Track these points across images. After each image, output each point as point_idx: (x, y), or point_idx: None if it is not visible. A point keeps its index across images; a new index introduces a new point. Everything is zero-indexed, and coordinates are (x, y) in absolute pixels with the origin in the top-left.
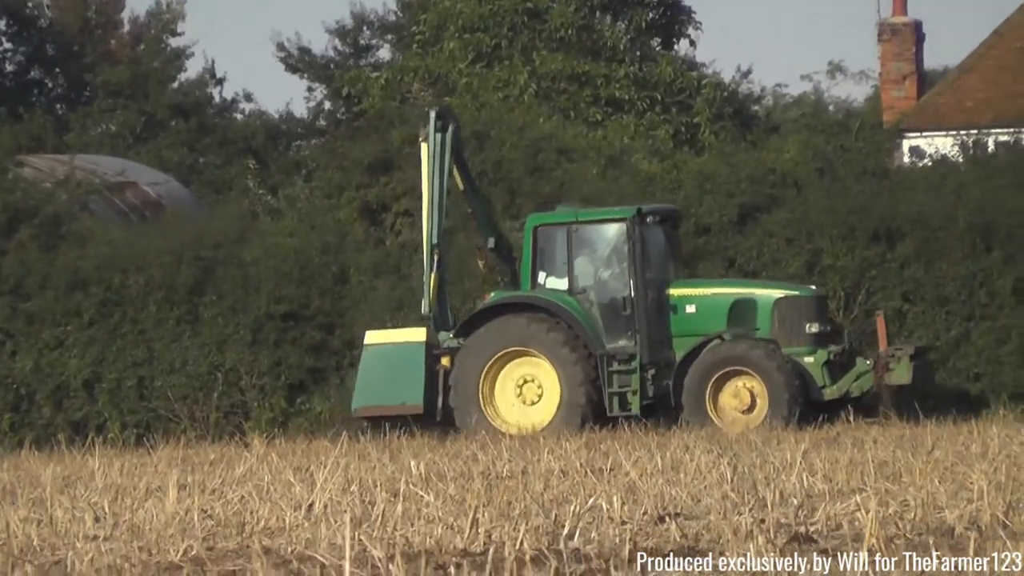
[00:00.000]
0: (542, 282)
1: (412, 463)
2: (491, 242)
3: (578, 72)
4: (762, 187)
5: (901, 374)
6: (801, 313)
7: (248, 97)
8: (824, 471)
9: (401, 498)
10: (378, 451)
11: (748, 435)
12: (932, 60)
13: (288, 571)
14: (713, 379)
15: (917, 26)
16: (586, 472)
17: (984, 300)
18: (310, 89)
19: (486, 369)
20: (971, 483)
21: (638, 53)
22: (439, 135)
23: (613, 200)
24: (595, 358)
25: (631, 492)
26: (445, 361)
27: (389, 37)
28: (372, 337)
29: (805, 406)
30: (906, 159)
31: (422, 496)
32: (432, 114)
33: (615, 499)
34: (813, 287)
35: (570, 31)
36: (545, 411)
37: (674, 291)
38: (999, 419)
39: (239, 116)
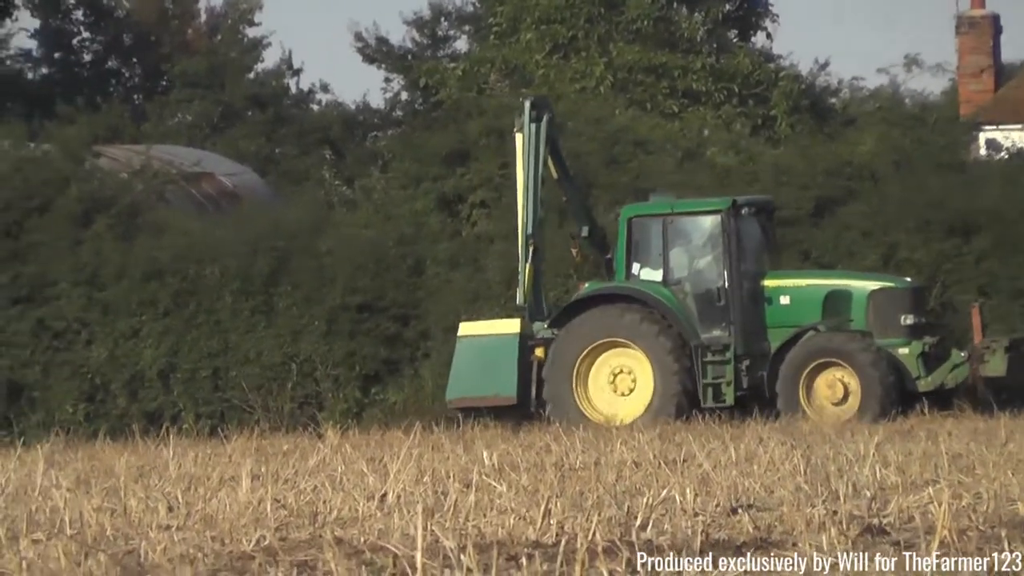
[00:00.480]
0: (636, 273)
1: (485, 454)
2: (585, 231)
3: (655, 64)
4: (838, 180)
5: (996, 366)
6: (896, 305)
7: (325, 88)
8: (897, 463)
9: (474, 489)
10: (452, 442)
11: (823, 427)
12: (1010, 53)
13: (360, 561)
14: (807, 371)
15: (995, 19)
16: (659, 463)
17: None
18: (387, 80)
19: (580, 359)
20: None
21: (715, 45)
22: (534, 125)
23: (691, 193)
24: (689, 349)
25: (704, 483)
26: (539, 352)
27: (466, 28)
28: (466, 328)
29: (900, 399)
30: (983, 152)
31: (495, 487)
32: (527, 104)
33: (688, 490)
34: (908, 279)
35: (647, 22)
36: (638, 402)
37: (768, 282)
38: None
39: (316, 107)
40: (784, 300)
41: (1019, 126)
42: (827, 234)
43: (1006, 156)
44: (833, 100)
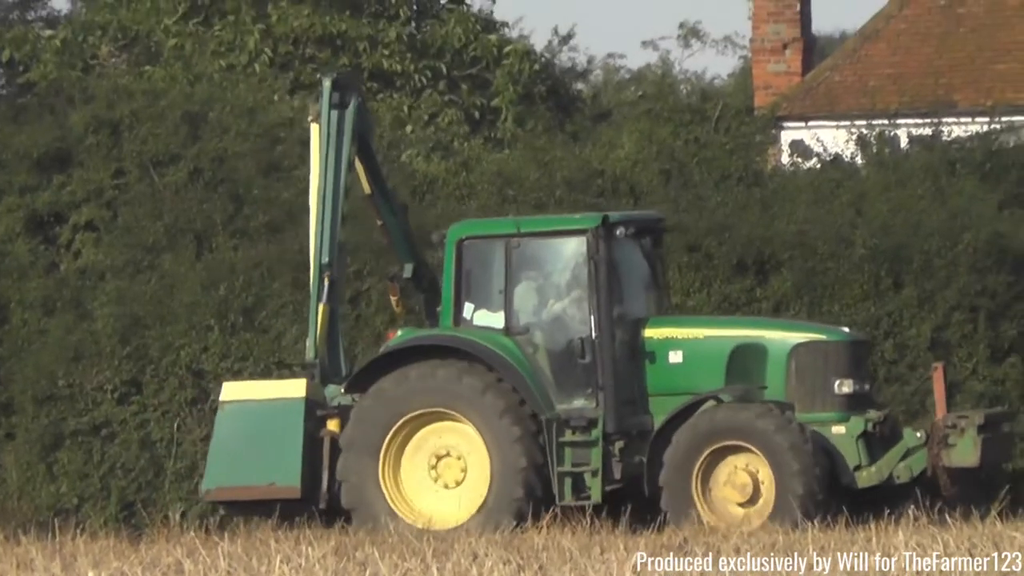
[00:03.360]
0: (468, 317)
1: (91, 575)
2: (408, 270)
3: (331, 33)
4: (585, 195)
5: (965, 452)
6: (829, 365)
7: None
8: None
9: None
10: (46, 558)
11: (561, 540)
12: (823, 23)
13: None
14: (703, 457)
15: None
16: None
17: (891, 356)
18: None
19: (389, 438)
20: None
21: (415, 8)
22: (336, 112)
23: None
24: (541, 424)
25: None
26: (332, 426)
27: None
28: (232, 391)
29: (831, 496)
30: (785, 158)
31: None
32: (327, 83)
33: None
34: (846, 330)
35: None
36: (471, 498)
37: (652, 332)
38: (907, 521)
39: None
40: (674, 357)
41: (834, 123)
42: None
43: (817, 164)
44: (580, 86)
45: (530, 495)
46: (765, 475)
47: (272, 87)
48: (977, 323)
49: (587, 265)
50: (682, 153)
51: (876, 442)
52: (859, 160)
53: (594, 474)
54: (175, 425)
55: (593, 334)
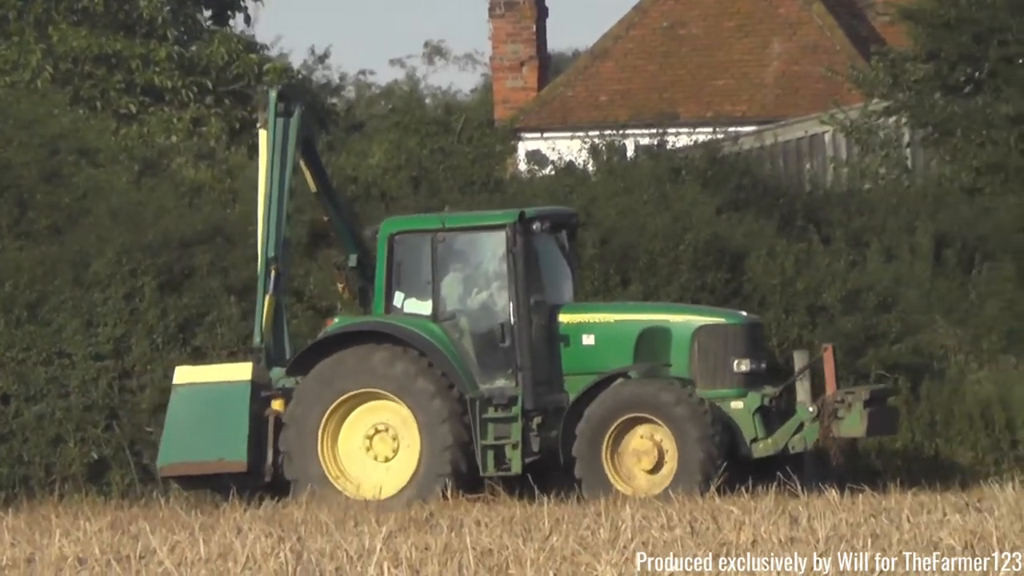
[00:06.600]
0: (399, 305)
1: None
2: (353, 259)
3: (107, 52)
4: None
5: (853, 424)
6: (728, 346)
7: None
8: (411, 561)
9: None
10: None
11: (318, 515)
12: (557, 42)
13: None
14: (612, 429)
15: None
16: (109, 560)
17: None
18: None
19: (326, 417)
20: None
21: (183, 29)
22: (281, 120)
23: (151, 215)
24: (465, 402)
25: None
26: (277, 405)
27: None
28: (184, 375)
29: (729, 466)
30: (522, 166)
31: None
32: (272, 94)
33: None
34: (744, 313)
35: (97, 1)
36: (402, 470)
37: (566, 317)
38: (633, 498)
39: None
40: (587, 340)
41: (568, 134)
42: (326, 272)
43: (551, 171)
44: (334, 100)
45: (456, 470)
46: (669, 445)
47: (52, 102)
48: None
49: (506, 257)
50: (429, 162)
51: (772, 416)
52: (591, 168)
53: (514, 447)
54: None
55: (512, 320)
